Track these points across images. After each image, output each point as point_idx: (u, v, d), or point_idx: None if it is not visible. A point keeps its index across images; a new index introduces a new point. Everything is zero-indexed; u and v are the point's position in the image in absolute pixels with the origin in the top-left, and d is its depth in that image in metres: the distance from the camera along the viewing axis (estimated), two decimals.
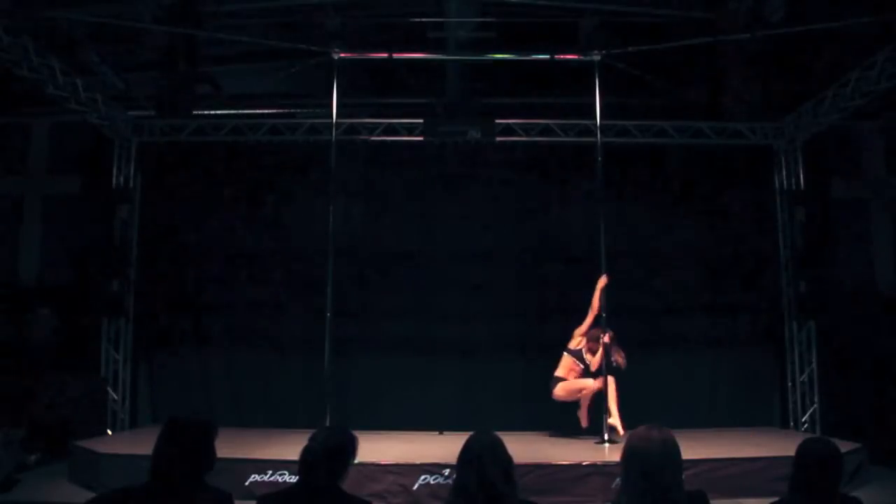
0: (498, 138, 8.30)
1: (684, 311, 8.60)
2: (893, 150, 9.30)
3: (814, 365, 8.25)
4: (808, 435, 6.59)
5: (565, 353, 7.32)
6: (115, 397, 8.24)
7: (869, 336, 8.38)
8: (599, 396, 7.09)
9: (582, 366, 7.26)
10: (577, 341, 7.26)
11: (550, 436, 7.37)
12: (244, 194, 8.83)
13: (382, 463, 5.74)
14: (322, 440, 2.79)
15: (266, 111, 9.71)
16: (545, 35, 8.63)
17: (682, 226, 8.78)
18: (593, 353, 7.17)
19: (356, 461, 2.93)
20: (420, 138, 8.35)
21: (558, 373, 7.31)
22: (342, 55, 7.58)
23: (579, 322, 7.25)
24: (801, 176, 8.47)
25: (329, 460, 2.74)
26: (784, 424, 8.42)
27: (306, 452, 2.77)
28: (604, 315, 7.07)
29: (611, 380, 7.05)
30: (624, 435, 6.74)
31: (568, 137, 8.44)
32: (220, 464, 2.64)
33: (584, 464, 5.78)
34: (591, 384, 7.14)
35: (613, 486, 5.41)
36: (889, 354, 8.10)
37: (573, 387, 7.25)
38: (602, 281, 7.06)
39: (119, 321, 8.34)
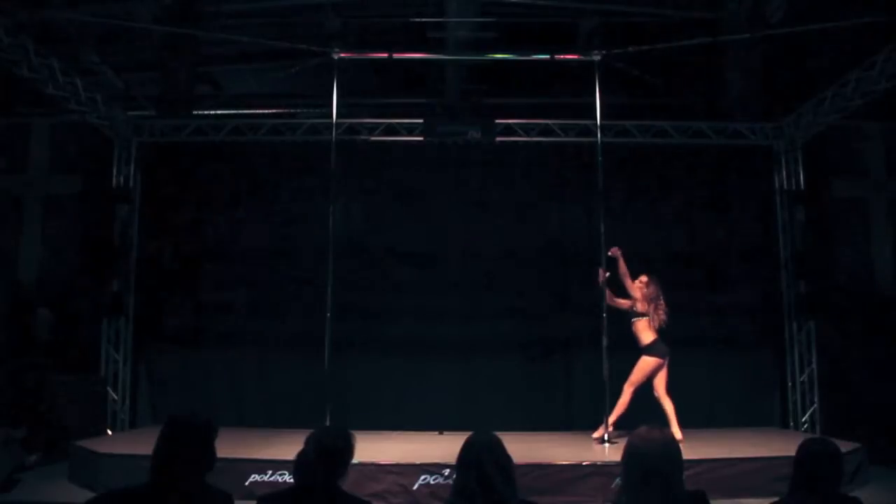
0: (498, 138, 8.30)
1: (684, 311, 8.59)
2: (893, 150, 9.30)
3: (814, 365, 8.24)
4: (808, 435, 6.61)
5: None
6: (115, 397, 8.24)
7: (869, 336, 8.38)
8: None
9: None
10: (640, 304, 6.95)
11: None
12: (244, 194, 8.83)
13: (382, 463, 5.74)
14: (319, 440, 2.80)
15: (266, 111, 9.73)
16: (545, 35, 8.65)
17: (682, 225, 8.77)
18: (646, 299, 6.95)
19: (356, 461, 2.93)
20: (420, 138, 8.35)
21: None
22: (342, 55, 7.58)
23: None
24: (801, 176, 8.47)
25: (327, 460, 2.74)
26: (784, 424, 8.42)
27: (304, 453, 2.77)
28: (605, 315, 7.08)
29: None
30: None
31: (568, 137, 8.43)
32: (220, 464, 2.63)
33: (584, 464, 5.77)
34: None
35: (613, 486, 5.42)
36: (889, 354, 8.09)
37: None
38: (602, 276, 7.07)
39: (119, 321, 8.34)
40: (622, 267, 6.92)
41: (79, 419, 7.71)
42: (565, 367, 8.46)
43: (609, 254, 6.97)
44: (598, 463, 5.81)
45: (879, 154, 9.29)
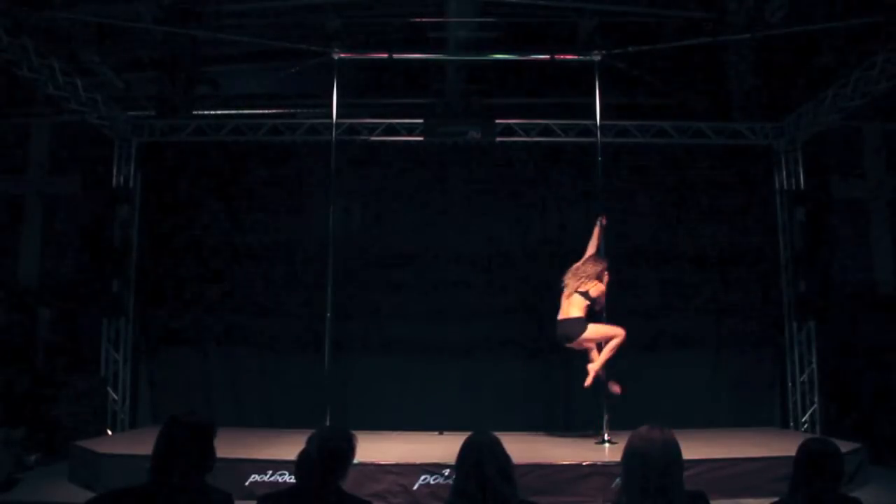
0: (498, 138, 8.30)
1: (684, 311, 8.60)
2: (893, 150, 9.30)
3: (814, 365, 8.25)
4: (809, 435, 6.60)
5: (575, 295, 6.70)
6: (115, 397, 8.24)
7: (869, 336, 8.38)
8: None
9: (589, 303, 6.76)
10: (590, 284, 6.72)
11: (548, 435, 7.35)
12: (244, 194, 8.82)
13: (382, 463, 5.74)
14: (321, 441, 2.80)
15: (266, 111, 9.71)
16: (545, 35, 8.64)
17: (681, 226, 8.77)
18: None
19: (356, 461, 2.93)
20: (420, 138, 8.35)
21: (575, 313, 6.65)
22: (342, 55, 7.58)
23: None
24: (801, 176, 8.47)
25: (328, 461, 2.75)
26: (784, 424, 8.42)
27: (305, 453, 2.78)
28: (605, 315, 7.07)
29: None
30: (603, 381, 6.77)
31: (568, 137, 8.44)
32: (220, 464, 2.64)
33: (584, 464, 5.77)
34: (622, 332, 6.60)
35: (613, 486, 5.42)
36: (889, 354, 8.09)
37: (607, 332, 6.62)
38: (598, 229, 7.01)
39: (119, 321, 8.34)
40: (597, 238, 7.00)
41: (79, 419, 7.72)
42: (565, 367, 8.46)
43: (600, 220, 7.03)
44: (598, 463, 5.80)
45: (879, 154, 9.30)
